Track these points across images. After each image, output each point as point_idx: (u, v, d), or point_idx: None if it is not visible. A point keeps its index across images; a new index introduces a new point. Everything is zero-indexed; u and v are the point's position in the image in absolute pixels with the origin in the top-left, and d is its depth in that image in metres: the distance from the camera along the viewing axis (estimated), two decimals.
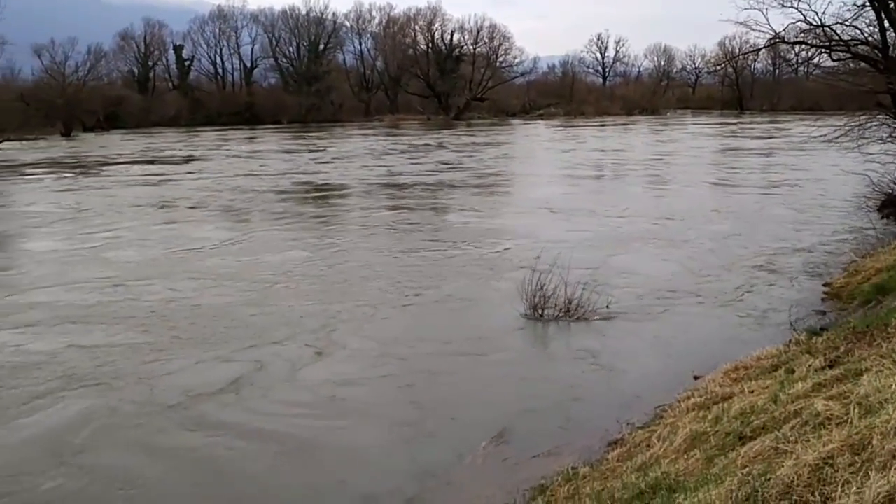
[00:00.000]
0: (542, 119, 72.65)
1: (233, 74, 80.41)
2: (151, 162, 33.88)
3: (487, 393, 7.29)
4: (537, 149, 40.65)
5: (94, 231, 16.40)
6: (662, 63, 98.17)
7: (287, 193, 22.56)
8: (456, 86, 76.78)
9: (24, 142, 47.18)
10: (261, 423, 6.60)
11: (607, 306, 9.66)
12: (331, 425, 6.60)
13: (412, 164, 30.80)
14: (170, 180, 26.32)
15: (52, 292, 11.04)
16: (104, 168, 31.35)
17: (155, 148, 42.64)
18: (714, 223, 16.35)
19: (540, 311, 9.41)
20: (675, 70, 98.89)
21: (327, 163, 32.19)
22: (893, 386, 4.01)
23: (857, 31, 17.09)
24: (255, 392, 7.26)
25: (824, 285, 10.75)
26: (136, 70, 75.49)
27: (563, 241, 14.12)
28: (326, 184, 25.09)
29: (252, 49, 79.80)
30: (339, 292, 10.79)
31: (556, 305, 9.46)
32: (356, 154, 36.24)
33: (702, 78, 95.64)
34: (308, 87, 74.36)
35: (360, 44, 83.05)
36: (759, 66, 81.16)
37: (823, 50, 18.26)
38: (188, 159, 34.70)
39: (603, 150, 36.89)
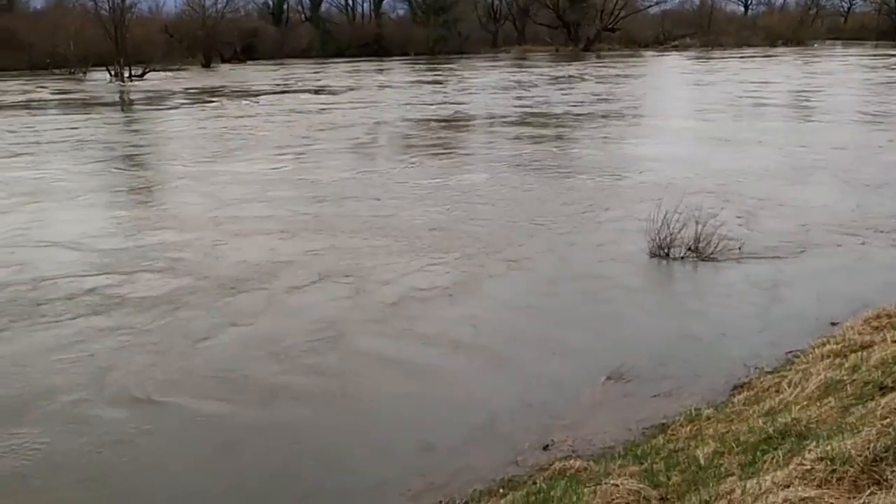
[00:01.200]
0: (676, 50, 69.49)
1: (362, 6, 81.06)
2: (296, 91, 34.80)
3: (606, 330, 7.19)
4: (674, 80, 39.05)
5: (275, 154, 17.34)
6: None
7: (430, 123, 22.72)
8: (586, 16, 74.25)
9: (167, 72, 49.52)
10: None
11: (740, 247, 9.26)
12: (453, 355, 6.71)
13: (545, 95, 30.23)
14: (321, 109, 27.02)
15: (259, 208, 12.01)
16: (255, 97, 32.44)
17: (293, 78, 43.78)
18: (882, 157, 15.23)
19: (666, 249, 9.14)
20: None
21: (462, 94, 32.05)
22: None
23: None
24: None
25: None
26: (270, 2, 77.28)
27: (698, 175, 13.60)
28: (465, 115, 25.07)
29: None
30: (464, 225, 10.85)
31: (683, 244, 9.16)
32: (489, 86, 35.89)
33: (855, 6, 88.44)
34: (436, 18, 73.92)
35: None
36: None
37: None
38: (325, 89, 35.45)
39: (747, 82, 34.77)
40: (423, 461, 5.05)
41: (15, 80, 45.39)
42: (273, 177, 14.78)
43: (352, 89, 35.55)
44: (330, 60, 62.89)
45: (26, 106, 30.83)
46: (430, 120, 23.29)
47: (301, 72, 49.42)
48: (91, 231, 10.81)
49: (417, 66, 53.06)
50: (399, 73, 47.30)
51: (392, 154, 18.08)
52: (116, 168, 16.63)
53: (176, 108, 29.81)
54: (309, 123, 22.93)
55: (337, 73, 48.26)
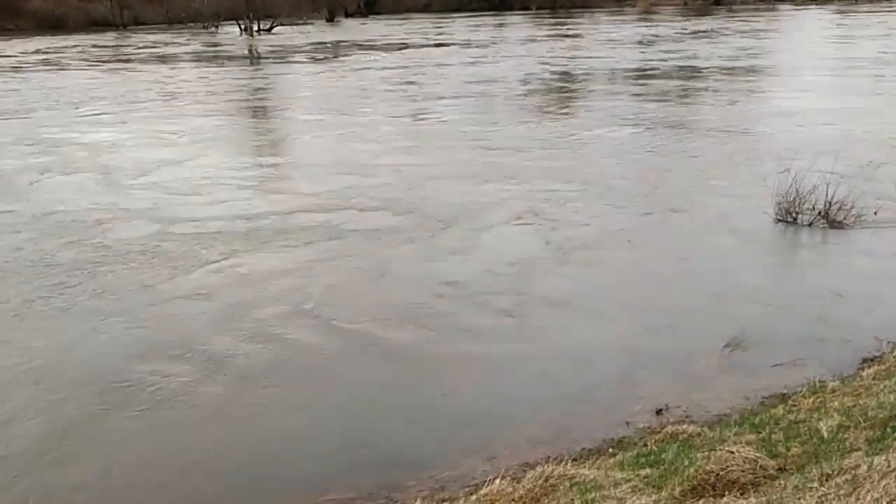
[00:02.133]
0: (815, 4, 65.19)
1: None
2: (420, 46, 35.02)
3: (727, 296, 6.95)
4: (818, 35, 36.71)
5: (413, 107, 17.92)
6: None
7: (571, 77, 22.46)
8: None
9: (293, 26, 50.71)
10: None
11: (875, 213, 8.72)
12: (575, 314, 6.69)
13: (689, 50, 29.14)
14: (450, 63, 27.13)
15: (429, 156, 12.61)
16: (381, 51, 32.87)
17: (416, 32, 43.99)
18: None
19: (794, 214, 8.71)
20: None
21: (591, 49, 31.34)
22: None
23: None
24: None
25: None
26: None
27: (834, 137, 12.86)
28: (609, 69, 24.57)
29: None
30: (583, 180, 10.72)
31: (813, 208, 8.71)
32: (619, 40, 34.97)
33: None
34: None
35: None
36: None
37: None
38: (449, 43, 35.44)
39: None
40: (534, 414, 5.09)
41: (154, 34, 47.65)
42: (424, 128, 15.12)
43: (476, 44, 35.39)
44: (452, 15, 62.68)
45: (174, 58, 32.36)
46: (569, 73, 23.15)
47: (423, 26, 49.54)
48: (282, 175, 11.51)
49: (541, 20, 52.12)
50: (524, 27, 46.66)
51: (525, 109, 17.93)
52: (271, 119, 17.38)
53: (303, 62, 30.53)
54: (442, 77, 23.06)
55: (460, 27, 48.08)
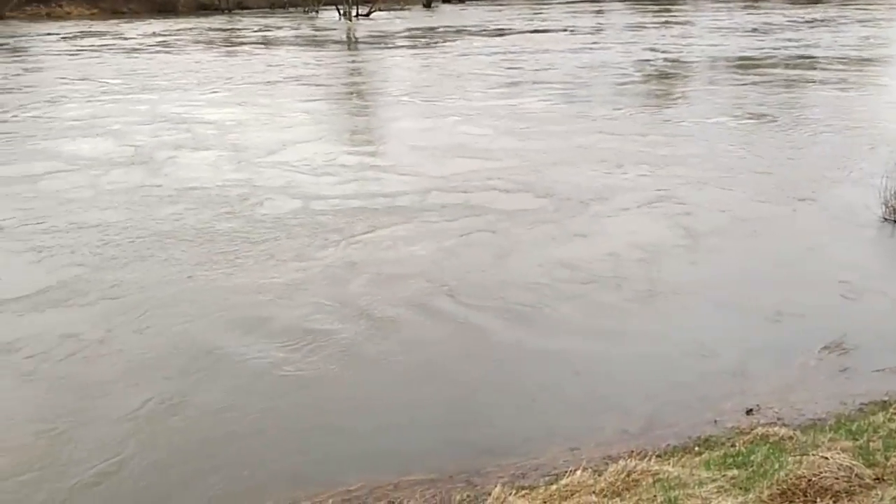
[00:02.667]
0: None
1: None
2: (520, 32, 34.79)
3: (827, 297, 6.66)
4: None
5: (510, 93, 17.84)
6: None
7: (677, 66, 21.98)
8: None
9: (391, 11, 51.19)
10: None
11: None
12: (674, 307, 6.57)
13: (794, 40, 27.89)
14: (549, 49, 26.88)
15: (551, 141, 12.55)
16: (478, 37, 32.87)
17: (514, 19, 43.69)
18: None
19: None
20: None
21: (702, 37, 30.38)
22: None
23: None
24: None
25: None
26: None
27: None
28: (706, 58, 23.89)
29: None
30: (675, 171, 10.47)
31: None
32: (731, 28, 33.77)
33: None
34: None
35: None
36: None
37: None
38: (556, 30, 35.11)
39: None
40: (622, 406, 5.04)
41: (259, 18, 48.97)
42: (537, 113, 15.02)
43: (580, 31, 34.91)
44: (550, 2, 61.95)
45: (280, 41, 33.19)
46: (682, 61, 22.68)
47: (523, 12, 49.12)
48: (405, 157, 11.67)
49: (643, 7, 50.92)
50: (628, 14, 45.65)
51: (640, 96, 17.56)
52: (380, 102, 17.55)
53: (403, 46, 30.74)
54: (549, 63, 22.82)
55: (560, 13, 47.50)
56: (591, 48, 26.99)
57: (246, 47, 30.59)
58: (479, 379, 5.42)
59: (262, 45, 31.59)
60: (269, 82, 20.27)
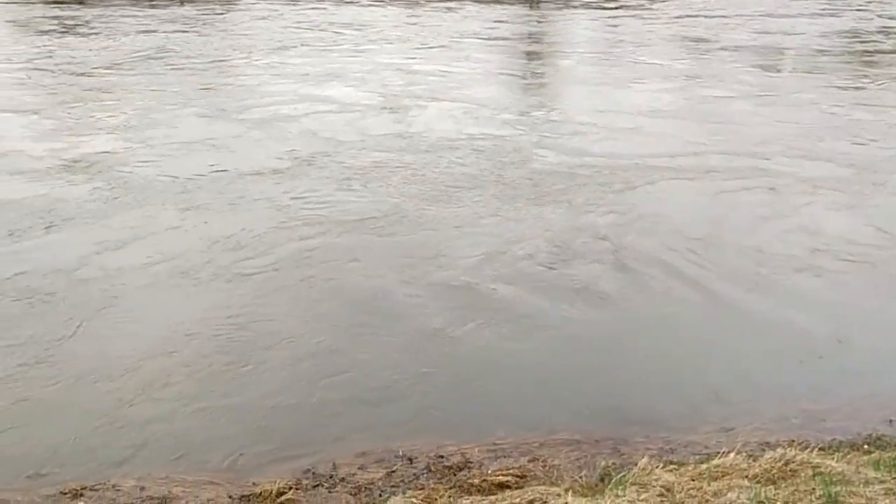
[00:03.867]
0: None
1: None
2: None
3: None
4: None
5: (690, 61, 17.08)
6: None
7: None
8: None
9: None
10: None
11: None
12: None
13: None
14: (786, 15, 25.38)
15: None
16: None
17: None
18: None
19: None
20: None
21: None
22: None
23: None
24: None
25: None
26: None
27: None
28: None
29: None
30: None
31: None
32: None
33: None
34: None
35: None
36: None
37: None
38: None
39: None
40: (786, 393, 4.81)
41: None
42: (774, 80, 14.40)
43: None
44: None
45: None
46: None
47: None
48: (659, 119, 11.27)
49: None
50: None
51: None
52: (601, 64, 16.75)
53: (593, 8, 29.73)
54: (771, 28, 21.42)
55: None
56: (819, 14, 24.78)
57: (441, 3, 30.19)
58: (645, 347, 5.34)
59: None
60: (479, 37, 19.75)
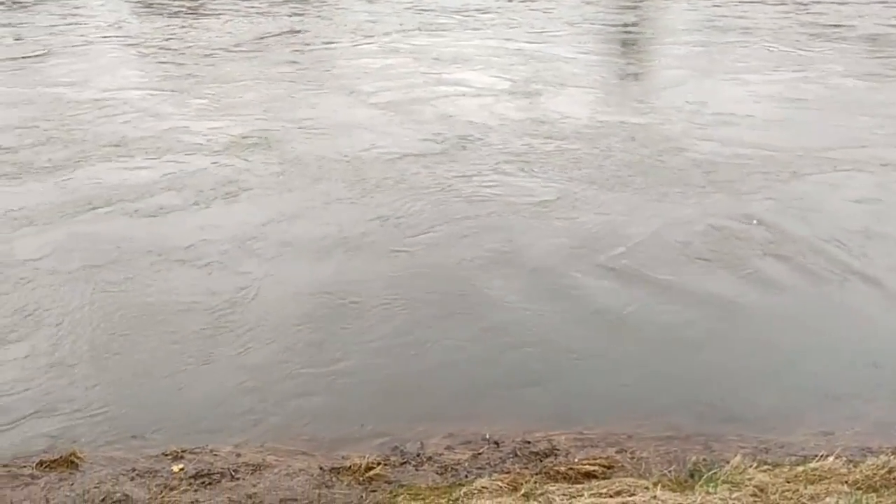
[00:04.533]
0: None
1: None
2: None
3: None
4: None
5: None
6: None
7: None
8: None
9: None
10: None
11: None
12: None
13: None
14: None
15: None
16: None
17: None
18: None
19: None
20: None
21: None
22: None
23: None
24: None
25: None
26: None
27: None
28: None
29: None
30: None
31: None
32: None
33: None
34: None
35: None
36: None
37: None
38: None
39: None
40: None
41: None
42: None
43: None
44: None
45: None
46: None
47: None
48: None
49: None
50: None
51: None
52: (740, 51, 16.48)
53: None
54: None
55: None
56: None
57: None
58: (740, 341, 5.21)
59: None
60: (595, 23, 19.05)
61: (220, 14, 17.93)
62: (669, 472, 3.87)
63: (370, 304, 5.55)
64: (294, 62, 13.32)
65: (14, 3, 17.94)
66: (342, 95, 11.14)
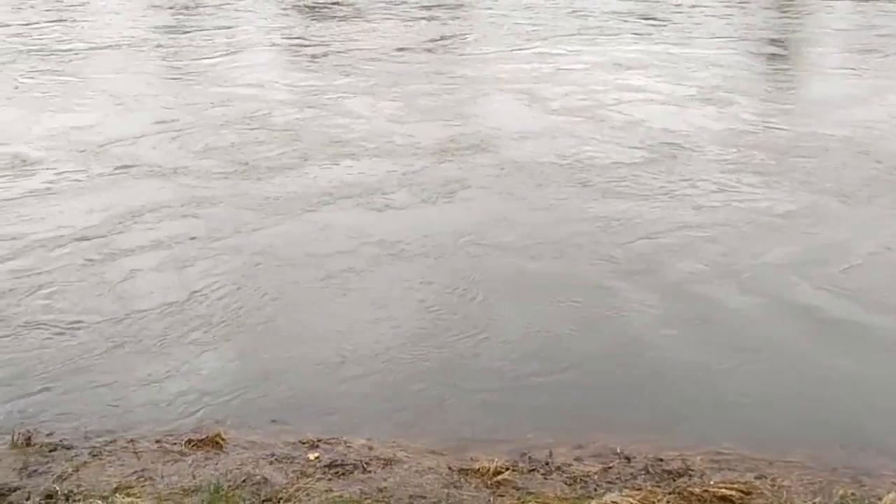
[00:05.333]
0: None
1: None
2: None
3: None
4: None
5: None
6: None
7: None
8: None
9: None
10: None
11: None
12: None
13: None
14: None
15: None
16: None
17: None
18: None
19: None
20: None
21: None
22: None
23: None
24: None
25: None
26: None
27: None
28: None
29: None
30: None
31: None
32: None
33: None
34: None
35: None
36: None
37: None
38: None
39: None
40: None
41: None
42: None
43: None
44: None
45: None
46: None
47: None
48: None
49: None
50: None
51: None
52: None
53: None
54: None
55: None
56: None
57: None
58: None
59: None
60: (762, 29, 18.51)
61: (376, 18, 18.35)
62: (814, 503, 3.67)
63: (546, 311, 5.57)
64: (462, 66, 13.42)
65: (184, 6, 19.07)
66: (524, 100, 11.08)
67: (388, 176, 8.05)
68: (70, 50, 14.03)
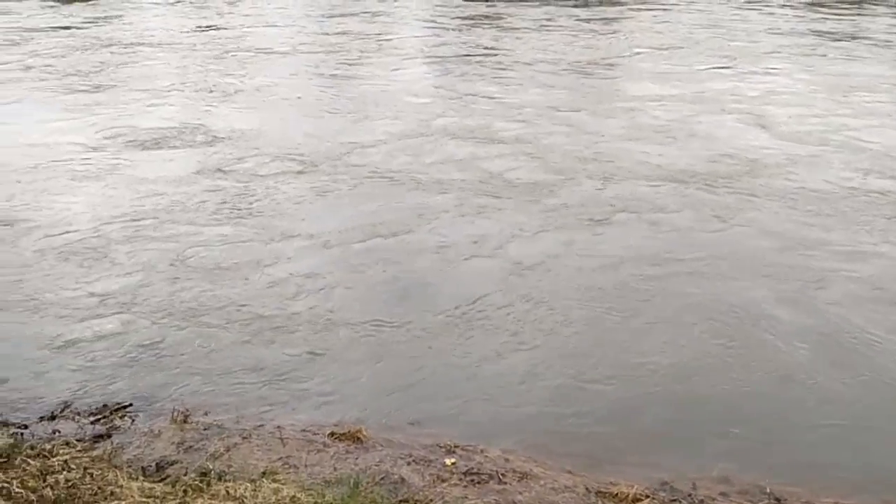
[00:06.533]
0: None
1: None
2: None
3: None
4: None
5: None
6: None
7: None
8: None
9: None
10: None
11: None
12: None
13: None
14: None
15: None
16: None
17: None
18: None
19: None
20: None
21: None
22: None
23: None
24: None
25: None
26: None
27: None
28: None
29: None
30: None
31: None
32: None
33: None
34: None
35: None
36: None
37: None
38: None
39: None
40: None
41: None
42: None
43: None
44: None
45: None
46: None
47: None
48: None
49: None
50: None
51: None
52: None
53: None
54: None
55: None
56: None
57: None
58: None
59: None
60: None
61: (525, 29, 18.41)
62: None
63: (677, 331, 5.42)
64: (672, 84, 12.96)
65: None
66: (755, 122, 10.71)
67: (659, 195, 7.94)
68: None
